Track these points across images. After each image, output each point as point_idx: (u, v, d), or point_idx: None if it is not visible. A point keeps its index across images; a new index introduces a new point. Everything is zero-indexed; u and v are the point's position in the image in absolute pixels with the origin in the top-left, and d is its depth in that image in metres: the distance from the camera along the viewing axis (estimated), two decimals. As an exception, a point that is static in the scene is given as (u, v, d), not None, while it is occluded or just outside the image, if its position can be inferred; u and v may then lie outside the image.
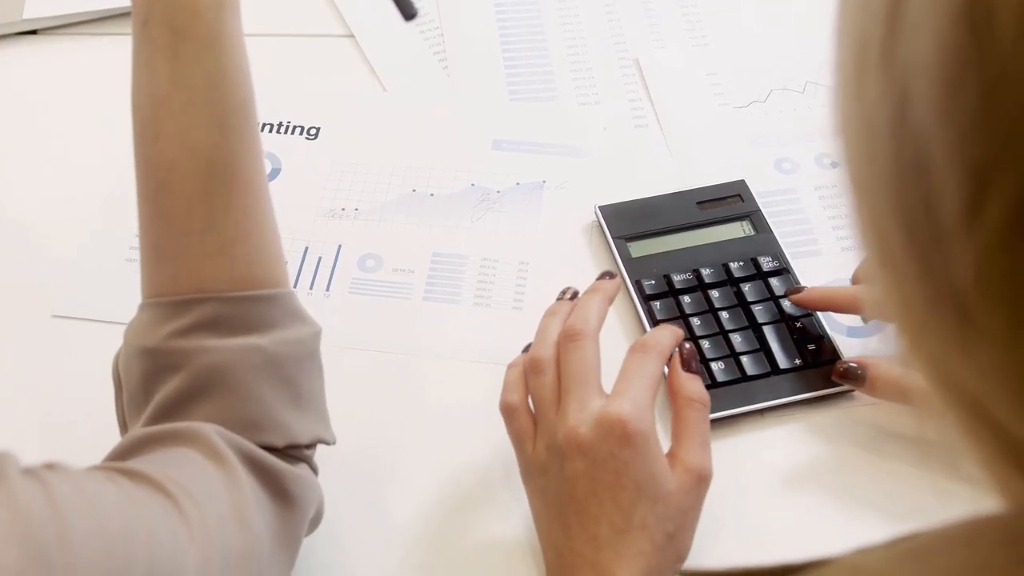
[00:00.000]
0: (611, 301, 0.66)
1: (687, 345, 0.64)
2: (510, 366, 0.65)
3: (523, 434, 0.62)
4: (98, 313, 0.78)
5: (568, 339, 0.62)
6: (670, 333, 0.64)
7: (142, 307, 0.58)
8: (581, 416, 0.59)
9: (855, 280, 0.73)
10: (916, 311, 0.29)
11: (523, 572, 0.65)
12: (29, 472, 0.43)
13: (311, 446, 0.58)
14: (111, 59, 0.97)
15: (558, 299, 0.68)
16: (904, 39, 0.25)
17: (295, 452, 0.57)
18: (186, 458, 0.52)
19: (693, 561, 0.61)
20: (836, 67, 0.31)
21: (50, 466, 0.44)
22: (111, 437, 0.63)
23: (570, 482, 0.58)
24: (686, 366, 0.63)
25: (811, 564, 0.37)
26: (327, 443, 0.59)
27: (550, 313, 0.66)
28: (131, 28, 0.57)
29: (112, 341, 0.63)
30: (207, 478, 0.51)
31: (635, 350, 0.62)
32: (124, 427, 0.60)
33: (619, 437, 0.57)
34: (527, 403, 0.63)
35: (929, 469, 0.68)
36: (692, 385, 0.62)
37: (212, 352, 0.54)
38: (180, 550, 0.46)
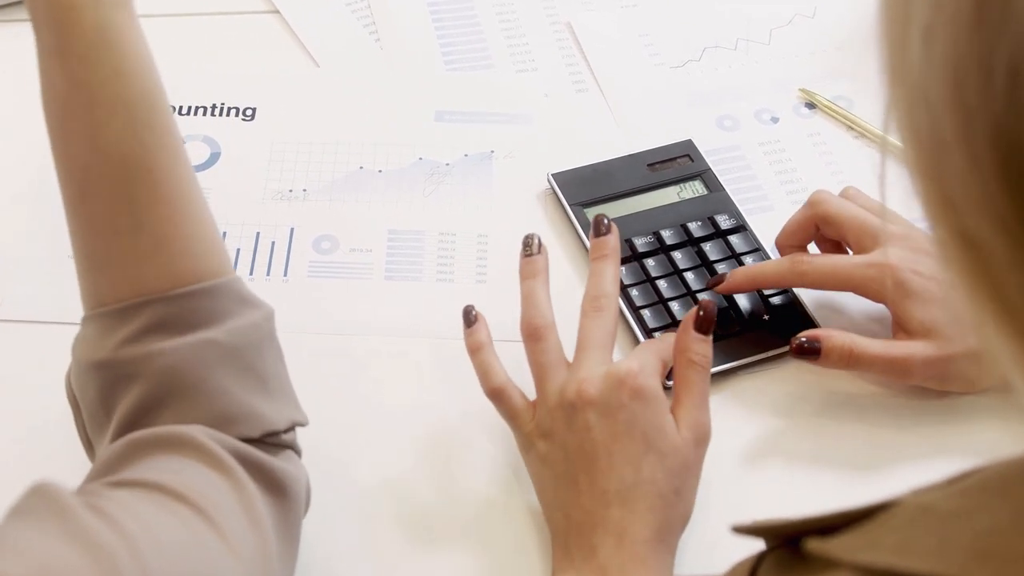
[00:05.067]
0: (619, 259, 0.68)
1: (711, 305, 0.63)
2: (474, 350, 0.66)
3: (517, 410, 0.63)
4: (45, 314, 0.74)
5: (593, 309, 0.64)
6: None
7: (85, 320, 0.56)
8: (593, 372, 0.61)
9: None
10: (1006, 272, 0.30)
11: (519, 540, 0.65)
12: (89, 505, 0.41)
13: (289, 430, 0.57)
14: (17, 46, 0.93)
15: (526, 254, 0.67)
16: None
17: (274, 440, 0.55)
18: (186, 465, 0.50)
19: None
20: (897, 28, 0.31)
21: (92, 491, 0.42)
22: (69, 446, 0.61)
23: (579, 435, 0.60)
24: (701, 326, 0.63)
25: (871, 508, 0.38)
26: (302, 424, 0.58)
27: (530, 275, 0.66)
28: None
29: (63, 342, 0.60)
30: (214, 485, 0.50)
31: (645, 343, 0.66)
32: (89, 446, 0.57)
33: (629, 389, 0.60)
34: (511, 380, 0.64)
35: (891, 414, 0.70)
36: (697, 346, 0.63)
37: (166, 354, 0.52)
38: (231, 571, 0.45)
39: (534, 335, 0.64)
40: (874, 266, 0.67)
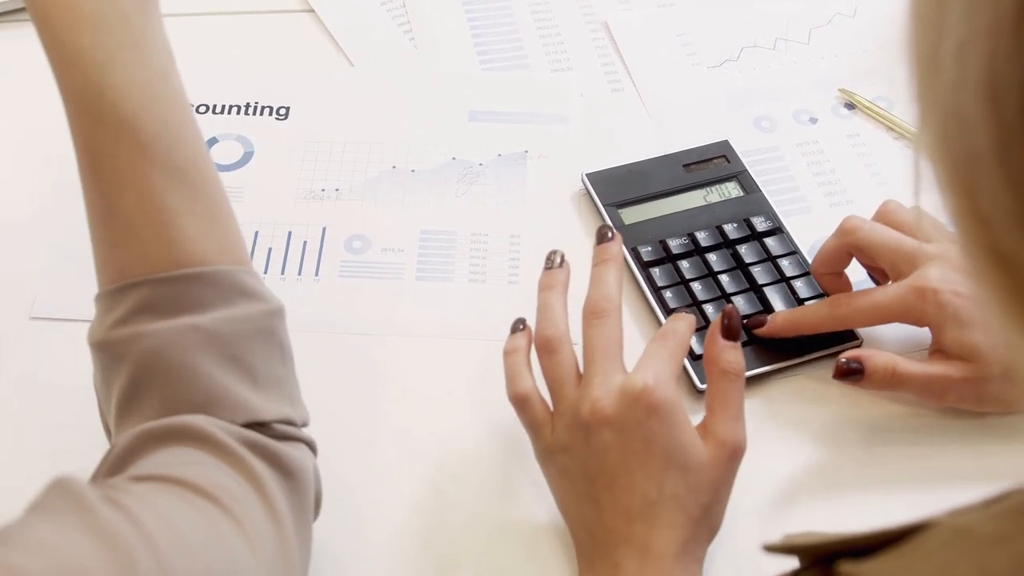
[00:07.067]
0: (622, 265, 0.65)
1: (733, 311, 0.61)
2: (508, 352, 0.64)
3: (538, 421, 0.61)
4: (79, 312, 0.74)
5: (593, 316, 0.62)
6: (685, 324, 0.63)
7: (94, 302, 0.56)
8: (605, 388, 0.59)
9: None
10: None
11: (543, 549, 0.64)
12: (108, 500, 0.41)
13: (282, 423, 0.55)
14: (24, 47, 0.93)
15: (547, 268, 0.66)
16: None
17: (271, 432, 0.54)
18: (201, 458, 0.50)
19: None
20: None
21: (112, 485, 0.42)
22: (100, 444, 0.61)
23: (598, 455, 0.58)
24: (728, 333, 0.61)
25: (906, 529, 0.37)
26: (294, 423, 0.56)
27: (547, 286, 0.65)
28: None
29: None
30: (231, 479, 0.49)
31: (655, 338, 0.62)
32: (108, 432, 0.58)
33: (645, 407, 0.58)
34: (537, 389, 0.62)
35: (929, 431, 0.69)
36: (728, 354, 0.61)
37: (148, 336, 0.52)
38: (251, 566, 0.44)
39: (546, 348, 0.62)
40: (912, 291, 0.65)
